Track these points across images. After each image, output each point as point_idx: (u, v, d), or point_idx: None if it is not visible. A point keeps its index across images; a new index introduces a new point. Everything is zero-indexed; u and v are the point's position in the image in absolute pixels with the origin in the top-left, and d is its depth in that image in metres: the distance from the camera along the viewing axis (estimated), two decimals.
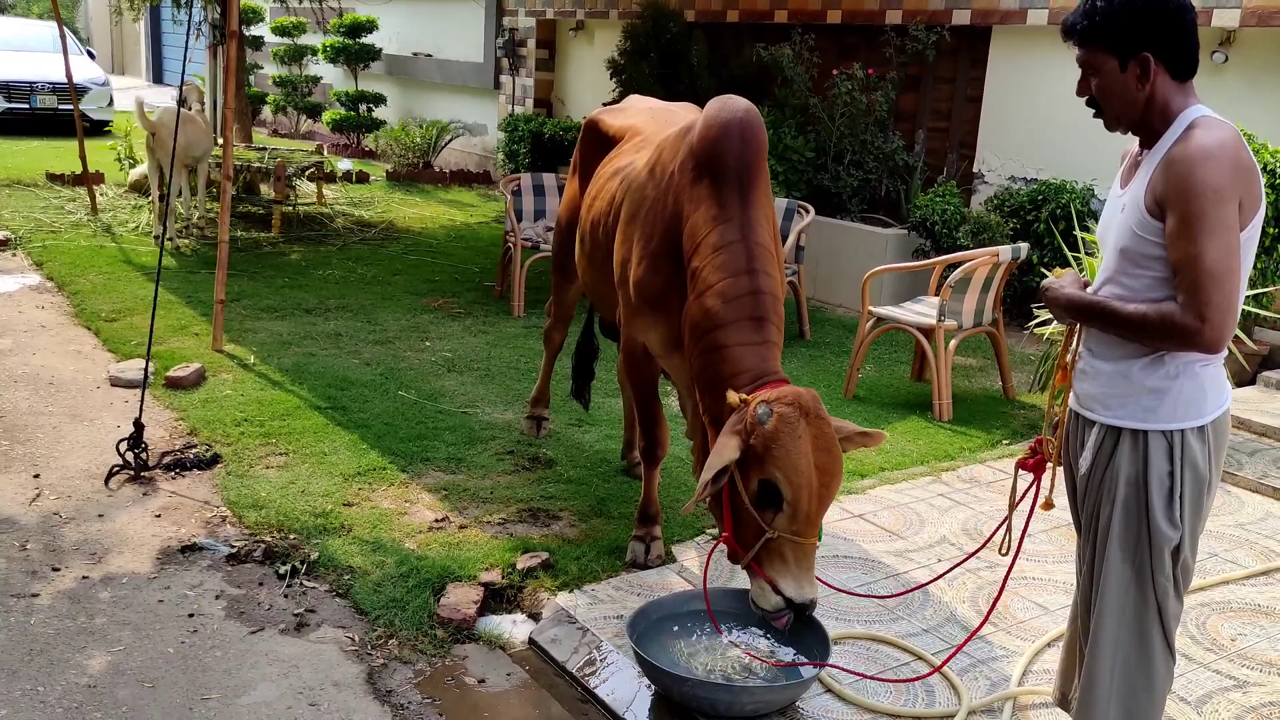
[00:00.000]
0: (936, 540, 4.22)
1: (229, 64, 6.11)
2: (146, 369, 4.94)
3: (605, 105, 4.78)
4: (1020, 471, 2.72)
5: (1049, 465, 2.65)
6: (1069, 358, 2.57)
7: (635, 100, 4.83)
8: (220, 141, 10.25)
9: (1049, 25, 7.47)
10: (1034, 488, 2.68)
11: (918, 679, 3.23)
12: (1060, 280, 2.47)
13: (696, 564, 3.94)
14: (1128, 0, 2.24)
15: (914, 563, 4.01)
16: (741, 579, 3.78)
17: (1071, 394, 2.54)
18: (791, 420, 2.93)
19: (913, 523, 4.37)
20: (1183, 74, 2.30)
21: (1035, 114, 7.76)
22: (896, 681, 3.22)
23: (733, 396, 3.05)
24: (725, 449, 2.98)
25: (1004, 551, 2.84)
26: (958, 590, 3.82)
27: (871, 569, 3.95)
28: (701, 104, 4.76)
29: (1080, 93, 2.38)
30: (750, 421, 2.97)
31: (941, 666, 3.23)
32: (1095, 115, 2.39)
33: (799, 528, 2.95)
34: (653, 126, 4.18)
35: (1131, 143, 2.45)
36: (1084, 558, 2.52)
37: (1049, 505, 2.68)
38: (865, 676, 3.22)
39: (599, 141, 4.49)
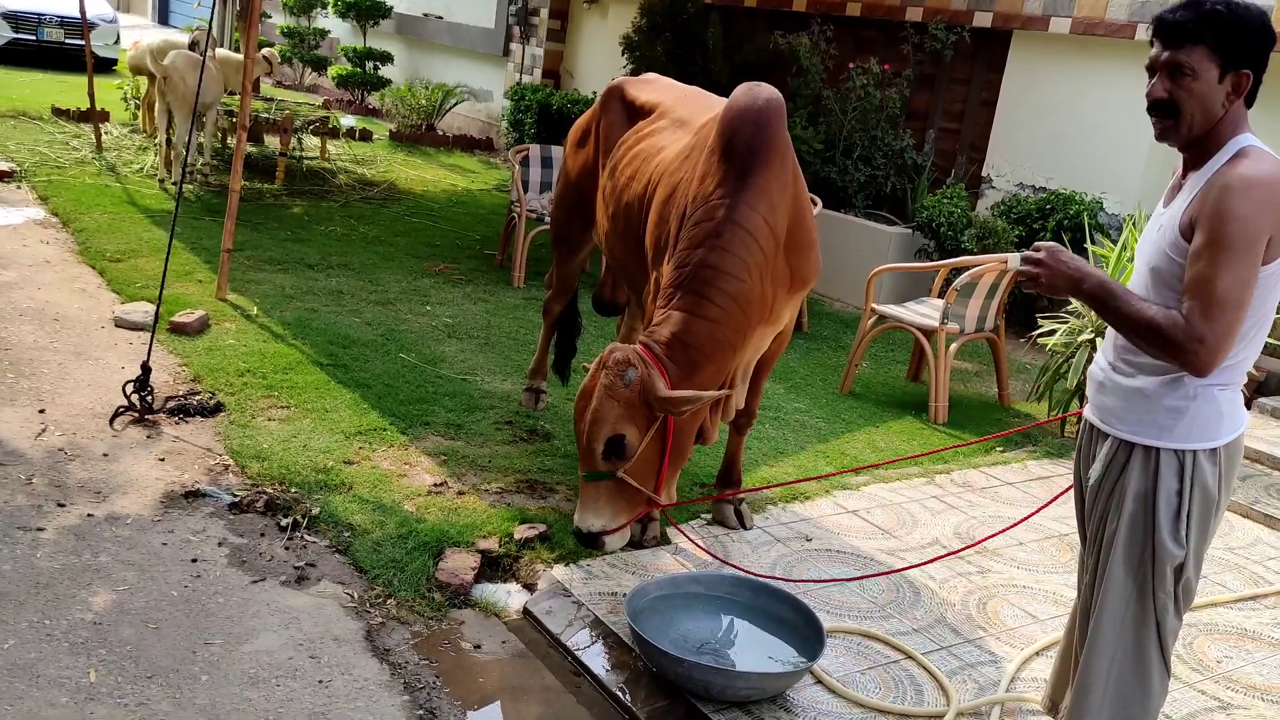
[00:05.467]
0: (929, 541, 4.28)
1: (251, 16, 6.07)
2: (157, 314, 4.94)
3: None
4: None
5: None
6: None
7: (657, 77, 4.82)
8: (232, 91, 10.18)
9: (1070, 34, 7.51)
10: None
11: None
12: (1059, 247, 2.37)
13: (692, 546, 3.99)
14: (1244, 12, 2.24)
15: (905, 561, 4.07)
16: (738, 559, 3.85)
17: (1087, 405, 2.58)
18: (593, 366, 3.39)
19: (906, 522, 4.43)
20: (1253, 99, 2.32)
21: (1049, 122, 7.81)
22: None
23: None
24: None
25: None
26: (948, 593, 3.89)
27: (864, 565, 4.01)
28: (713, 88, 4.77)
29: (1157, 94, 2.31)
30: None
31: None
32: (1161, 120, 2.32)
33: None
34: (687, 109, 4.17)
35: (1177, 161, 2.47)
36: (1087, 568, 2.57)
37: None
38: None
39: (625, 111, 4.45)
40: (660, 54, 9.69)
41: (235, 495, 3.99)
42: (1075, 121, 7.59)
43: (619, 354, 3.32)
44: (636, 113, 4.36)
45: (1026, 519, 3.61)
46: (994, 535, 3.77)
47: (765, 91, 3.60)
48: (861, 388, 6.19)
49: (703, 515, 4.27)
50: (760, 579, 3.57)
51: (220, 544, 3.67)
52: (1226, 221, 2.18)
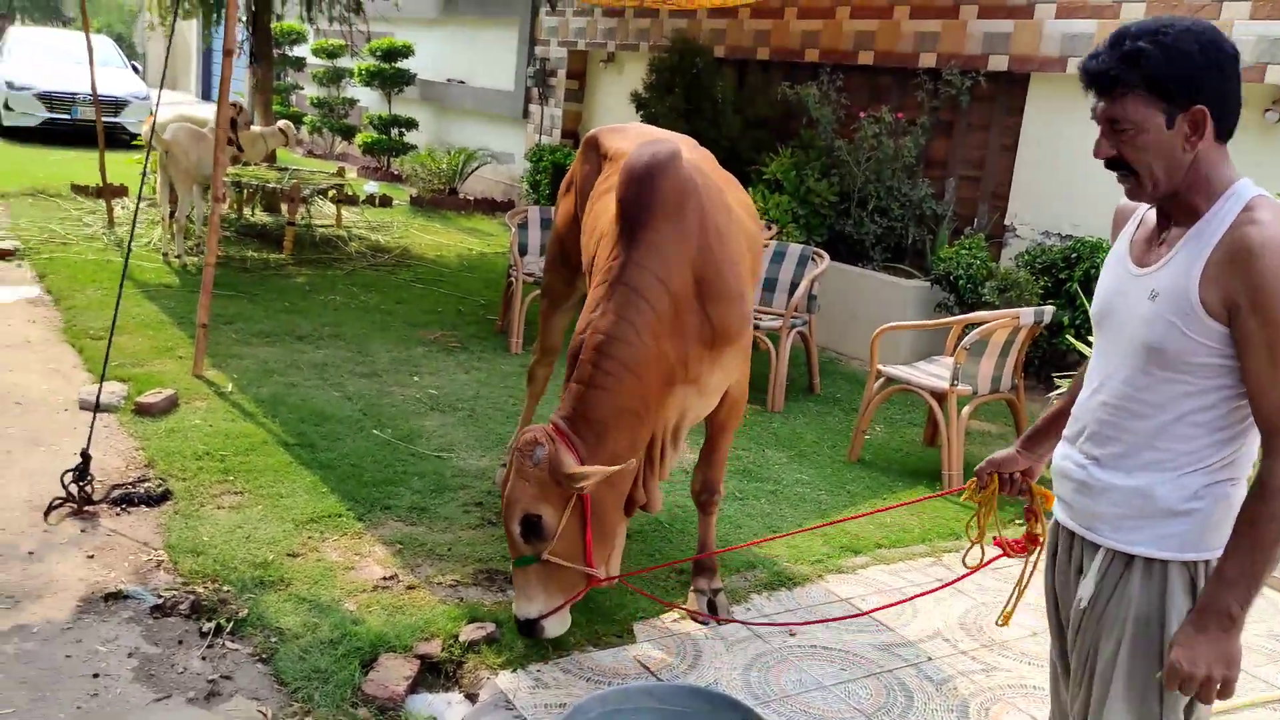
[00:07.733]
0: (930, 634, 3.83)
1: (223, 82, 5.89)
2: (99, 394, 4.69)
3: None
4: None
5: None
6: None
7: (634, 125, 4.60)
8: (246, 162, 10.11)
9: None
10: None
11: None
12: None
13: (656, 647, 3.58)
14: (1179, 41, 1.86)
15: (900, 659, 3.63)
16: (702, 673, 3.44)
17: (1059, 506, 2.17)
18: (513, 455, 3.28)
19: (905, 611, 3.99)
20: (1227, 135, 1.93)
21: (1073, 167, 7.37)
22: None
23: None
24: None
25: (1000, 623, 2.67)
26: (948, 695, 3.43)
27: (850, 664, 3.57)
28: (724, 142, 4.53)
29: (1103, 153, 1.97)
30: None
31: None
32: (1123, 179, 1.99)
33: None
34: None
35: (1125, 200, 2.09)
36: (1072, 703, 2.13)
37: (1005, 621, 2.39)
38: None
39: (598, 160, 4.30)
40: (670, 108, 9.43)
41: (160, 596, 3.67)
42: (1099, 165, 7.13)
43: (528, 434, 3.23)
44: (607, 162, 4.15)
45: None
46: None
47: (654, 147, 3.48)
48: (872, 454, 5.75)
49: (678, 608, 3.86)
50: (715, 692, 3.16)
51: (131, 654, 3.34)
52: None
